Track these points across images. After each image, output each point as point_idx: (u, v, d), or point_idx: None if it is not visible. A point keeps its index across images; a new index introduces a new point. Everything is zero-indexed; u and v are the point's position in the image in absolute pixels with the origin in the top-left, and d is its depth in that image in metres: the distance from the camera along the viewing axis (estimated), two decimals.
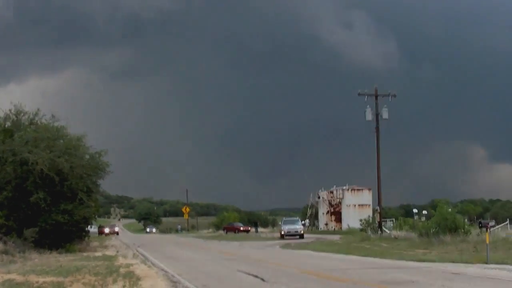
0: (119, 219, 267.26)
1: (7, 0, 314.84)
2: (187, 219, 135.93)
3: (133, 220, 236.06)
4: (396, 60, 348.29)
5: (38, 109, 44.10)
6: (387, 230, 54.94)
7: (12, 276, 20.54)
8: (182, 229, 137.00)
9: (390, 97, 54.94)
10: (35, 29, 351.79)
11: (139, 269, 24.41)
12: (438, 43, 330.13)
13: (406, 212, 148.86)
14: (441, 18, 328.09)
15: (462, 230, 40.61)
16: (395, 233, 48.70)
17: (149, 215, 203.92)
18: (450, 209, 43.73)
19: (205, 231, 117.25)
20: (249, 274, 21.84)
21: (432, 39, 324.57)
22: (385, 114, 53.93)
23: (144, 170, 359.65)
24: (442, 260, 28.12)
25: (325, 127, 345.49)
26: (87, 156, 43.81)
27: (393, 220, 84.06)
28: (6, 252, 32.19)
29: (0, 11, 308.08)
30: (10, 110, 43.08)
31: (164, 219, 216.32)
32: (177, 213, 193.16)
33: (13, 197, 39.39)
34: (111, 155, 45.92)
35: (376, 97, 54.40)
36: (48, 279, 19.72)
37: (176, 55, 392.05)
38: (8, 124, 42.97)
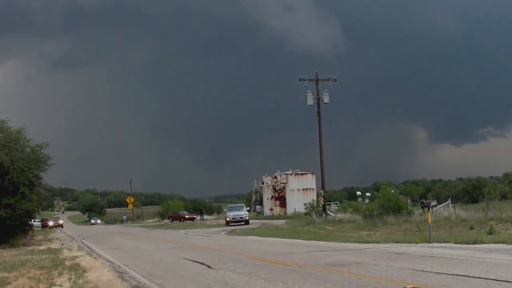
0: (63, 212, 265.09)
1: None
2: (132, 209, 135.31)
3: (77, 212, 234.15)
4: (339, 44, 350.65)
5: None
6: (331, 214, 55.39)
7: None
8: (127, 220, 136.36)
9: (330, 82, 55.36)
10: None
11: (85, 261, 24.29)
12: (381, 25, 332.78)
13: (350, 195, 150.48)
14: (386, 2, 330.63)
15: (405, 211, 41.20)
16: (339, 216, 49.16)
17: (93, 207, 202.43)
18: (393, 191, 44.28)
19: (150, 220, 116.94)
20: (195, 261, 21.88)
21: (375, 21, 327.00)
22: (326, 98, 54.36)
23: (86, 161, 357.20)
24: (386, 241, 28.54)
25: (269, 113, 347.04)
26: (28, 149, 43.30)
27: (337, 203, 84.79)
28: None
29: None
30: None
31: (108, 210, 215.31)
32: (122, 204, 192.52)
33: None
34: (52, 147, 45.49)
35: (317, 81, 54.75)
36: None
37: (115, 44, 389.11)
38: None
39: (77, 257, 26.53)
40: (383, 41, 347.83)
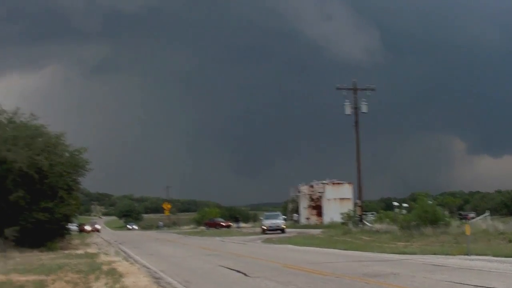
0: (100, 217, 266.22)
1: None
2: (169, 216, 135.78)
3: (114, 218, 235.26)
4: (377, 53, 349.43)
5: (17, 108, 43.87)
6: (368, 224, 55.08)
7: None
8: (163, 226, 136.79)
9: (368, 91, 55.18)
10: (16, 25, 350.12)
11: (122, 266, 24.36)
12: (420, 35, 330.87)
13: (387, 205, 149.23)
14: (424, 11, 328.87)
15: (443, 222, 40.82)
16: (376, 226, 48.87)
17: (130, 212, 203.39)
18: (430, 202, 43.92)
19: (186, 227, 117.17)
20: (231, 269, 21.85)
21: (415, 31, 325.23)
22: (364, 108, 54.18)
23: (124, 167, 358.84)
24: (423, 252, 28.28)
25: (306, 121, 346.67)
26: (67, 154, 43.63)
27: (373, 214, 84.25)
28: None
29: None
30: None
31: (145, 216, 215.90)
32: (158, 210, 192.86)
33: None
34: (90, 152, 45.76)
35: (355, 91, 54.59)
36: (31, 277, 19.65)
37: (153, 50, 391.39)
38: None
39: (113, 262, 26.62)
40: (422, 51, 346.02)
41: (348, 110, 53.93)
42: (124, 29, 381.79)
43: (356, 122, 53.95)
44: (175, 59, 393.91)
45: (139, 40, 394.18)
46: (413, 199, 73.34)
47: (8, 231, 38.76)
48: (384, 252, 29.41)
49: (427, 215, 41.63)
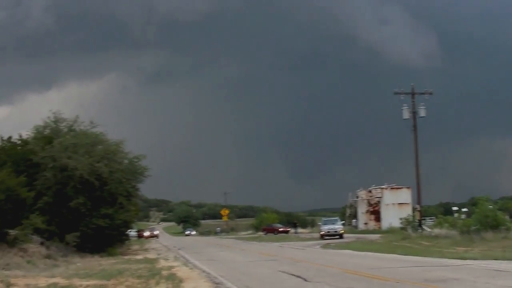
0: (158, 223, 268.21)
1: (48, 7, 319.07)
2: (226, 221, 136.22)
3: (172, 223, 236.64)
4: (435, 56, 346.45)
5: (77, 116, 44.57)
6: (427, 229, 54.53)
7: (56, 280, 20.73)
8: (221, 231, 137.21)
9: (427, 95, 54.76)
10: (75, 35, 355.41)
11: (181, 271, 24.52)
12: (479, 37, 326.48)
13: (446, 210, 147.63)
14: (482, 13, 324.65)
15: (504, 227, 40.23)
16: (435, 231, 48.35)
17: (188, 218, 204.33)
18: (490, 206, 43.32)
19: (244, 232, 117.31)
20: (291, 274, 21.83)
21: (473, 33, 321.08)
22: (422, 112, 53.78)
23: (182, 173, 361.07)
24: (484, 257, 27.86)
25: (363, 126, 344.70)
26: (126, 161, 44.18)
27: (432, 219, 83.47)
28: (49, 257, 32.54)
29: (42, 17, 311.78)
30: (49, 118, 43.61)
31: (203, 222, 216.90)
32: (216, 216, 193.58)
33: (53, 202, 39.76)
34: (148, 158, 46.22)
35: (413, 95, 54.21)
36: (92, 282, 19.88)
37: (208, 58, 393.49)
38: (47, 131, 43.39)
39: (173, 267, 26.82)
40: (481, 54, 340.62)
41: (406, 114, 53.57)
42: (180, 37, 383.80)
43: (414, 126, 53.55)
44: (231, 65, 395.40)
45: (196, 47, 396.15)
46: (472, 203, 72.42)
47: (69, 237, 39.37)
48: (444, 258, 29.06)
49: (487, 219, 41.07)
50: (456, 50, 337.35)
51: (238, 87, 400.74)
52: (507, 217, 45.51)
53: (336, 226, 66.19)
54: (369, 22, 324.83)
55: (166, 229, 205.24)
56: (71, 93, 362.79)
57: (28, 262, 29.31)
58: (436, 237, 44.99)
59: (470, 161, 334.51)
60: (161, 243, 74.56)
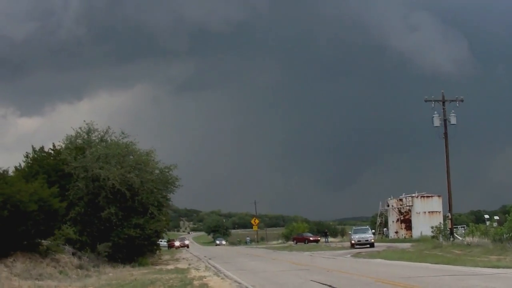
0: (189, 232, 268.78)
1: (79, 18, 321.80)
2: (257, 231, 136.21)
3: (202, 233, 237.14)
4: (466, 63, 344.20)
5: (108, 127, 44.92)
6: (459, 237, 54.21)
7: None
8: (251, 241, 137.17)
9: (457, 102, 54.51)
10: (105, 46, 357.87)
11: (213, 281, 24.55)
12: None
13: (477, 218, 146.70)
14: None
15: None
16: (467, 239, 48.03)
17: (218, 228, 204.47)
18: None
19: (275, 242, 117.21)
20: (322, 284, 21.77)
21: (505, 40, 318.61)
22: (453, 119, 53.55)
23: (212, 183, 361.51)
24: None
25: (393, 135, 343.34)
26: (157, 171, 44.37)
27: (464, 227, 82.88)
28: (81, 267, 32.75)
29: (73, 28, 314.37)
30: (80, 128, 43.97)
31: (233, 231, 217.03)
32: (246, 225, 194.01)
33: (85, 212, 40.04)
34: (178, 168, 46.35)
35: (443, 102, 53.99)
36: None
37: (238, 67, 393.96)
38: (79, 141, 43.73)
39: (204, 277, 26.86)
40: None
41: (437, 122, 53.36)
42: (210, 46, 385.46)
43: (445, 134, 53.30)
44: (261, 75, 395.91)
45: (225, 56, 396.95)
46: (504, 211, 71.92)
47: (101, 247, 39.62)
48: (477, 266, 28.87)
49: None
50: (488, 57, 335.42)
51: (268, 96, 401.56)
52: None
53: (367, 235, 66.00)
54: (399, 29, 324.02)
55: (196, 239, 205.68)
56: (101, 103, 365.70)
57: (61, 272, 29.54)
58: (468, 245, 44.70)
59: (501, 168, 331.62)
60: (191, 253, 74.65)
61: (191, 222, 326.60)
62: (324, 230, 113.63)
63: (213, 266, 38.35)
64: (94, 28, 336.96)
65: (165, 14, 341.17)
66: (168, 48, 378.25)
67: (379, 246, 62.55)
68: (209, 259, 50.53)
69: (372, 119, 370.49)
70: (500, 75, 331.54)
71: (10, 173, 37.10)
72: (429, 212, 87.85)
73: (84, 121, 44.64)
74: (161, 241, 72.57)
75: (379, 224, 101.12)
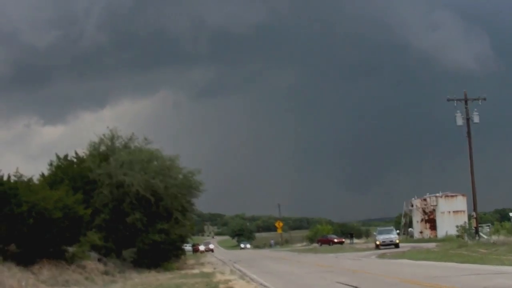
0: (213, 237, 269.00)
1: (101, 25, 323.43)
2: (281, 234, 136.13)
3: (227, 237, 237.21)
4: (489, 61, 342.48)
5: (132, 134, 45.08)
6: (484, 236, 53.99)
7: None
8: (275, 244, 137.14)
9: (480, 101, 54.31)
10: (127, 52, 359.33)
11: (238, 284, 24.61)
12: None
13: (502, 216, 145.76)
14: None
15: None
16: (493, 238, 47.84)
17: (242, 231, 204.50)
18: None
19: (299, 244, 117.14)
20: (348, 285, 21.77)
21: None
22: (476, 118, 53.36)
23: (235, 187, 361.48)
24: None
25: (416, 134, 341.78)
26: (181, 176, 44.45)
27: (489, 225, 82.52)
28: (106, 273, 32.89)
29: (95, 36, 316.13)
30: (104, 135, 44.17)
31: (257, 235, 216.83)
32: (270, 228, 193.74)
33: (110, 219, 40.16)
34: (202, 173, 46.45)
35: (466, 101, 53.81)
36: None
37: (264, 70, 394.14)
38: (103, 148, 43.94)
39: (230, 280, 26.90)
40: None
41: (460, 120, 53.24)
42: (231, 50, 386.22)
43: (468, 133, 53.15)
44: (282, 77, 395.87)
45: (247, 59, 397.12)
46: None
47: (126, 252, 39.80)
48: (503, 265, 28.74)
49: None
50: (510, 53, 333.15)
51: (290, 99, 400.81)
52: None
53: (392, 236, 65.89)
54: (420, 28, 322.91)
55: (220, 243, 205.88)
56: (124, 110, 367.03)
57: (87, 278, 29.69)
58: (494, 244, 44.51)
59: None
60: (216, 257, 74.83)
61: (215, 226, 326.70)
62: (349, 231, 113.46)
63: (238, 270, 38.42)
64: (115, 35, 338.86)
65: (185, 19, 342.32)
66: (189, 53, 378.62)
67: (404, 246, 62.39)
68: (234, 262, 50.61)
69: (396, 118, 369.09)
70: None
71: (35, 181, 37.32)
72: (453, 211, 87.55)
73: (108, 127, 44.83)
74: (186, 246, 72.71)
75: (403, 225, 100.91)
